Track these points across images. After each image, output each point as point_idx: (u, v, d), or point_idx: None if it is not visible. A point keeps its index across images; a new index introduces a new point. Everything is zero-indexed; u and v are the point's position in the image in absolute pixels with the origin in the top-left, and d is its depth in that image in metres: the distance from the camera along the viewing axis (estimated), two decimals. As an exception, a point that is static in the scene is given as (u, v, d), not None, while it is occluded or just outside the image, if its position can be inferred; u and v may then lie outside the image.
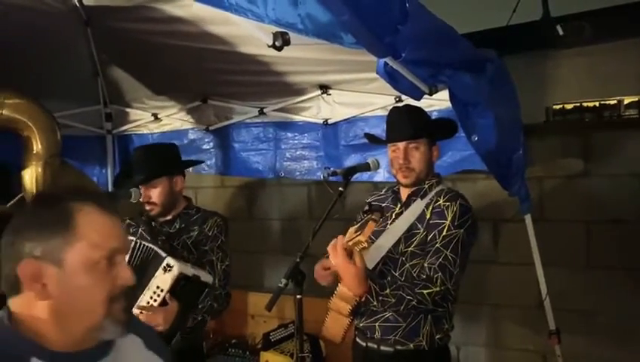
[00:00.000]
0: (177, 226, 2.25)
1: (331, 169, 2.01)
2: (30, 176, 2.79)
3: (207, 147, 3.34)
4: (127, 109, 3.42)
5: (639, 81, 2.81)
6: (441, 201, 1.92)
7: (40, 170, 2.80)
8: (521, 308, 3.04)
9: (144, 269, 2.01)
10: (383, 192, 2.17)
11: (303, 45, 1.65)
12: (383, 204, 2.08)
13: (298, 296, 1.73)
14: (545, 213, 2.96)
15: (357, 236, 1.91)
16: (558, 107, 2.96)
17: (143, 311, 1.94)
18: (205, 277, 2.03)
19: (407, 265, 1.91)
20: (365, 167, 2.01)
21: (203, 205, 2.49)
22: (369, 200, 2.16)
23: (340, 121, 2.90)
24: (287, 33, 1.40)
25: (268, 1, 1.31)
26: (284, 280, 1.69)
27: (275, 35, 1.40)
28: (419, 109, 2.02)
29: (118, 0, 2.25)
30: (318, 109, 2.95)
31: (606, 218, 2.86)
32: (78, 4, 2.38)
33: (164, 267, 1.95)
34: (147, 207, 2.20)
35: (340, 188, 1.85)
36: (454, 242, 1.84)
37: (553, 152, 2.99)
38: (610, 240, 2.85)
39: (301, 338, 1.81)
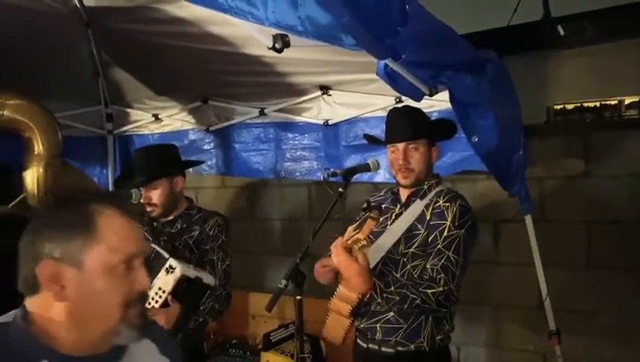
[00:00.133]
0: (179, 226, 2.26)
1: (331, 170, 2.01)
2: (31, 177, 2.80)
3: (208, 147, 3.35)
4: (128, 110, 3.43)
5: (640, 82, 2.81)
6: (440, 202, 1.92)
7: (41, 170, 2.80)
8: (522, 309, 3.04)
9: (146, 269, 2.02)
10: (382, 193, 2.17)
11: (304, 46, 1.65)
12: (383, 205, 2.08)
13: (298, 297, 1.74)
14: (545, 214, 2.96)
15: (355, 234, 1.91)
16: (558, 107, 2.96)
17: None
18: (207, 279, 2.03)
19: (409, 266, 1.91)
20: (365, 168, 2.01)
21: (204, 205, 2.49)
22: (365, 205, 2.16)
23: (341, 121, 2.90)
24: (286, 35, 1.40)
25: (268, 3, 1.31)
26: (284, 281, 1.69)
27: (275, 38, 1.40)
28: (418, 110, 2.03)
29: (118, 1, 2.25)
30: (318, 110, 2.95)
31: (606, 218, 2.86)
32: (78, 5, 2.38)
33: (167, 268, 1.95)
34: (148, 209, 2.21)
35: (340, 189, 1.85)
36: (456, 243, 1.84)
37: (554, 153, 2.99)
38: (610, 240, 2.85)
39: (301, 338, 1.81)
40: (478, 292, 3.02)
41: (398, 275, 1.92)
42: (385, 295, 1.74)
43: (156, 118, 3.39)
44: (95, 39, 2.72)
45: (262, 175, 3.28)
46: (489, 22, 3.27)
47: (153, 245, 2.03)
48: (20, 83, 2.74)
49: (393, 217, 2.02)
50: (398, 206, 2.04)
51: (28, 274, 0.90)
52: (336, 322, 1.92)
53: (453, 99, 1.97)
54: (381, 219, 2.02)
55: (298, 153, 3.10)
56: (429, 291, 1.76)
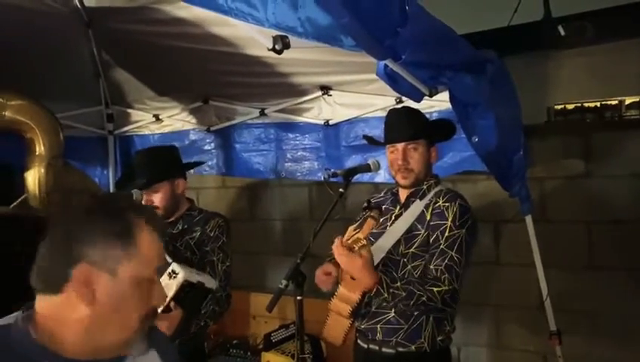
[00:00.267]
0: (180, 227, 2.26)
1: (332, 170, 2.01)
2: (33, 178, 2.80)
3: (209, 148, 3.35)
4: (129, 110, 3.43)
5: (640, 82, 2.81)
6: (440, 202, 1.93)
7: (43, 171, 2.81)
8: (522, 309, 3.04)
9: None
10: (382, 194, 2.18)
11: (304, 47, 1.65)
12: (383, 206, 2.09)
13: (299, 297, 1.73)
14: (546, 214, 2.97)
15: (355, 234, 1.92)
16: (559, 107, 2.96)
17: None
18: (209, 283, 2.02)
19: (409, 266, 1.91)
20: (366, 168, 2.02)
21: (205, 206, 2.50)
22: (365, 204, 2.16)
23: (341, 121, 2.90)
24: (286, 36, 1.40)
25: (268, 4, 1.31)
26: (284, 281, 1.69)
27: (275, 39, 1.40)
28: (417, 111, 2.03)
29: (119, 1, 2.26)
30: (319, 110, 2.95)
31: (607, 218, 2.85)
32: (79, 6, 2.38)
33: (170, 273, 1.94)
34: None
35: (341, 190, 1.85)
36: (458, 242, 1.84)
37: (554, 153, 2.99)
38: (611, 240, 2.85)
39: (302, 338, 1.81)
40: (478, 292, 3.02)
41: (398, 276, 1.92)
42: (391, 290, 1.73)
43: (157, 118, 3.40)
44: (96, 40, 2.72)
45: (263, 175, 3.29)
46: (489, 22, 3.27)
47: None
48: (21, 83, 2.75)
49: (393, 218, 2.02)
50: (398, 207, 2.04)
51: (56, 273, 0.90)
52: (336, 323, 1.92)
53: (453, 99, 1.97)
54: (381, 221, 2.02)
55: (299, 153, 3.10)
56: (434, 289, 1.76)
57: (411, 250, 1.92)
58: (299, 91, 2.85)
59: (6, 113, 2.70)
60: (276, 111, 3.05)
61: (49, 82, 2.90)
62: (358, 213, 2.14)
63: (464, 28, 2.36)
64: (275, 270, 3.73)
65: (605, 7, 3.06)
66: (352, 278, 1.80)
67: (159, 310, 1.90)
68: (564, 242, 2.92)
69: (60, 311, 0.90)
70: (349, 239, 1.86)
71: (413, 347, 1.90)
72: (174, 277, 1.93)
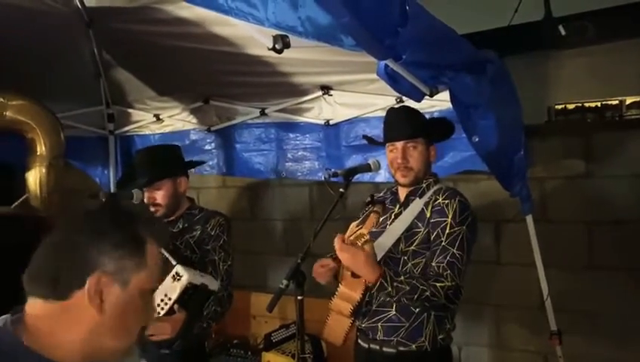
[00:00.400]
0: (180, 226, 2.26)
1: (332, 170, 2.01)
2: (34, 178, 2.81)
3: (209, 148, 3.35)
4: (130, 110, 3.44)
5: (641, 82, 2.81)
6: (440, 199, 1.93)
7: (44, 171, 2.82)
8: (523, 309, 3.04)
9: None
10: (382, 194, 2.18)
11: (305, 47, 1.65)
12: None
13: (299, 297, 1.73)
14: (546, 214, 2.96)
15: (358, 230, 1.92)
16: (560, 107, 2.96)
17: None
18: (212, 284, 2.03)
19: (410, 264, 1.91)
20: (366, 168, 2.02)
21: (205, 205, 2.50)
22: (368, 199, 2.16)
23: (342, 121, 2.90)
24: (287, 36, 1.40)
25: (268, 4, 1.32)
26: (285, 281, 1.69)
27: (275, 38, 1.41)
28: (415, 110, 2.04)
29: (119, 1, 2.26)
30: (319, 110, 2.96)
31: (607, 219, 2.85)
32: (79, 6, 2.38)
33: (173, 276, 1.94)
34: (152, 209, 2.21)
35: (341, 189, 1.86)
36: (459, 239, 1.85)
37: (555, 153, 2.99)
38: (611, 240, 2.85)
39: (302, 338, 1.82)
40: (479, 292, 3.02)
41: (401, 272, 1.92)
42: (395, 284, 1.73)
43: (157, 118, 3.40)
44: (96, 39, 2.72)
45: (263, 175, 3.29)
46: (490, 22, 3.27)
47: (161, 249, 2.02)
48: (22, 83, 2.75)
49: (392, 217, 2.02)
50: (397, 206, 2.04)
51: (68, 280, 0.90)
52: (336, 322, 1.92)
53: (453, 99, 1.97)
54: (381, 220, 2.03)
55: (299, 153, 3.10)
56: (437, 284, 1.76)
57: (412, 247, 1.92)
58: (299, 91, 2.86)
59: (7, 113, 2.71)
60: (277, 111, 3.05)
61: (50, 82, 2.91)
62: (359, 213, 2.15)
63: (464, 28, 2.36)
64: (276, 270, 3.73)
65: (606, 7, 3.06)
66: (353, 276, 1.80)
67: (162, 313, 1.92)
68: (565, 242, 2.91)
69: (63, 317, 0.90)
70: (351, 235, 1.86)
71: (414, 346, 1.90)
72: (178, 280, 1.93)
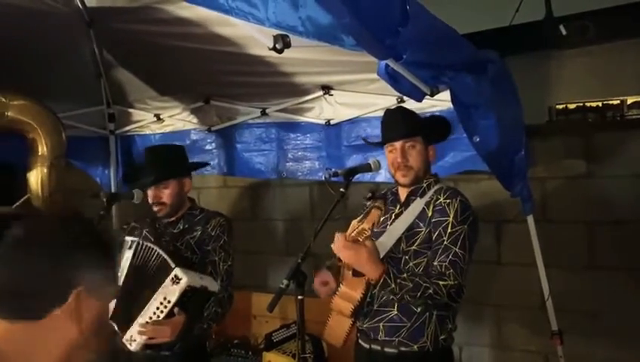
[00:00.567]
0: (181, 227, 2.26)
1: (332, 170, 2.01)
2: (35, 178, 2.81)
3: (210, 148, 3.35)
4: (130, 110, 3.44)
5: (642, 81, 2.81)
6: (441, 199, 1.93)
7: (45, 171, 2.82)
8: (524, 309, 3.03)
9: (146, 269, 2.02)
10: (382, 194, 2.17)
11: (305, 46, 1.65)
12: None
13: (300, 297, 1.74)
14: (547, 214, 2.96)
15: (360, 226, 1.91)
16: (560, 107, 2.96)
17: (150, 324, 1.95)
18: (212, 286, 2.02)
19: (411, 263, 1.91)
20: (366, 168, 2.02)
21: (206, 205, 2.50)
22: (370, 195, 2.16)
23: (342, 121, 2.90)
24: (287, 36, 1.40)
25: (268, 4, 1.32)
26: (285, 281, 1.70)
27: (276, 38, 1.41)
28: (411, 111, 2.05)
29: (120, 1, 2.26)
30: (320, 110, 2.96)
31: (608, 219, 2.85)
32: (80, 6, 2.39)
33: (173, 278, 1.93)
34: (156, 208, 2.21)
35: (342, 189, 1.86)
36: (461, 238, 1.84)
37: (556, 153, 2.99)
38: (612, 241, 2.85)
39: (303, 338, 1.82)
40: (480, 292, 3.01)
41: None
42: (398, 280, 1.73)
43: (158, 118, 3.40)
44: (97, 39, 2.72)
45: (264, 175, 3.29)
46: (490, 22, 3.28)
47: (160, 251, 2.02)
48: (23, 83, 2.75)
49: (393, 217, 2.02)
50: (398, 206, 2.04)
51: (45, 298, 0.86)
52: (337, 323, 1.92)
53: (454, 99, 1.97)
54: (381, 220, 2.02)
55: (300, 153, 3.10)
56: (440, 283, 1.76)
57: (413, 247, 1.92)
58: (300, 91, 2.86)
59: (8, 113, 2.71)
60: (277, 110, 3.05)
61: (51, 82, 2.91)
62: (359, 213, 2.14)
63: (465, 28, 2.35)
64: (276, 270, 3.73)
65: (607, 6, 3.06)
66: (354, 275, 1.80)
67: (162, 316, 1.92)
68: (566, 242, 2.91)
69: (37, 337, 0.86)
70: (352, 232, 1.86)
71: (415, 346, 1.89)
72: (177, 283, 1.93)
